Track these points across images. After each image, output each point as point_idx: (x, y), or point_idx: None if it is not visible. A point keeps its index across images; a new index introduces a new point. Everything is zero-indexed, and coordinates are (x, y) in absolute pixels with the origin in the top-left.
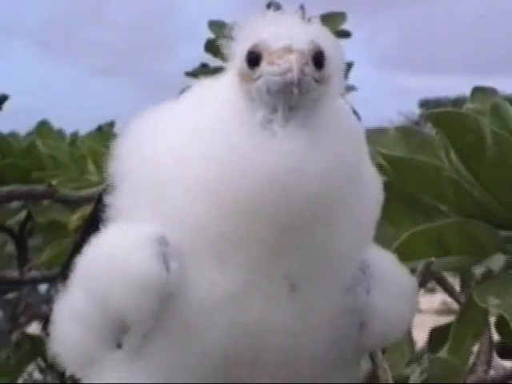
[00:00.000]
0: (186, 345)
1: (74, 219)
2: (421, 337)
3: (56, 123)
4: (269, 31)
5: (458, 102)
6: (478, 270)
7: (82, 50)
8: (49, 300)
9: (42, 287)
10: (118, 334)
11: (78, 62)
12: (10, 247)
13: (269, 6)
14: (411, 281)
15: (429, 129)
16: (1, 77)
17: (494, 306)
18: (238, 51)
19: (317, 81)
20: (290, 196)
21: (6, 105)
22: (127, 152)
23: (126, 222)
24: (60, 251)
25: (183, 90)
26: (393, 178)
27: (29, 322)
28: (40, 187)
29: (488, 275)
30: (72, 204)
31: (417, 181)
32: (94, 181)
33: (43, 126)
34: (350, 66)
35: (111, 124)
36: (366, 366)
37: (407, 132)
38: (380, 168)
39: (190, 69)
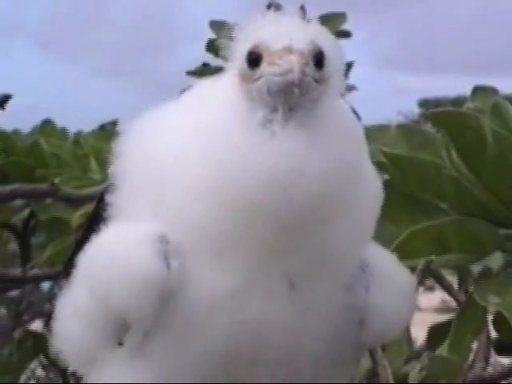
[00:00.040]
0: (187, 343)
1: (77, 217)
2: (420, 335)
3: (58, 122)
4: (269, 32)
5: (457, 101)
6: (476, 268)
7: (83, 49)
8: (51, 298)
9: (45, 285)
10: (120, 331)
11: (80, 62)
12: (13, 245)
13: (269, 6)
14: (410, 279)
15: (428, 128)
16: (3, 76)
17: (493, 304)
18: (238, 51)
19: (317, 81)
20: (290, 196)
21: (9, 104)
22: (128, 151)
23: (127, 221)
24: (62, 249)
25: (184, 90)
26: (394, 176)
27: (32, 319)
28: (43, 186)
29: (487, 273)
30: (74, 202)
31: (417, 179)
32: (97, 179)
33: (47, 125)
34: (350, 65)
35: (114, 123)
36: (366, 363)
37: (408, 130)
38: (381, 166)
39: (191, 68)
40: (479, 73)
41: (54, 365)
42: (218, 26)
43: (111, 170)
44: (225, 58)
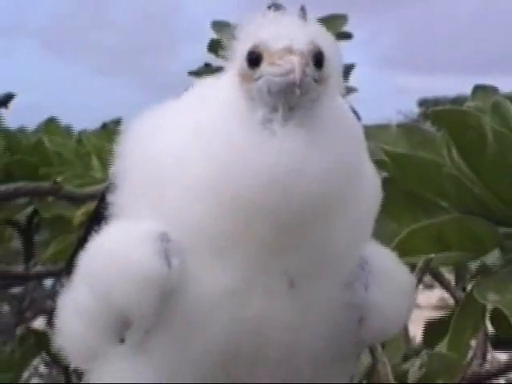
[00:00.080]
0: (187, 340)
1: (79, 215)
2: (419, 332)
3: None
4: (269, 32)
5: (457, 101)
6: (474, 265)
7: (85, 49)
8: (54, 295)
9: (48, 282)
10: (121, 328)
11: (82, 62)
12: (16, 243)
13: (270, 7)
14: (409, 277)
15: (428, 127)
16: (6, 76)
17: (493, 301)
18: (238, 51)
19: (316, 81)
20: (290, 195)
21: (12, 103)
22: (129, 150)
23: (128, 219)
24: (65, 246)
25: (186, 89)
26: (394, 174)
27: (34, 316)
28: (45, 184)
29: (486, 271)
30: (77, 200)
31: (418, 177)
32: (99, 177)
33: (51, 123)
34: (350, 67)
35: (116, 122)
36: (365, 360)
37: (409, 129)
38: (382, 164)
39: (193, 68)
40: (478, 73)
41: (56, 362)
42: (219, 26)
43: (112, 169)
44: (225, 58)
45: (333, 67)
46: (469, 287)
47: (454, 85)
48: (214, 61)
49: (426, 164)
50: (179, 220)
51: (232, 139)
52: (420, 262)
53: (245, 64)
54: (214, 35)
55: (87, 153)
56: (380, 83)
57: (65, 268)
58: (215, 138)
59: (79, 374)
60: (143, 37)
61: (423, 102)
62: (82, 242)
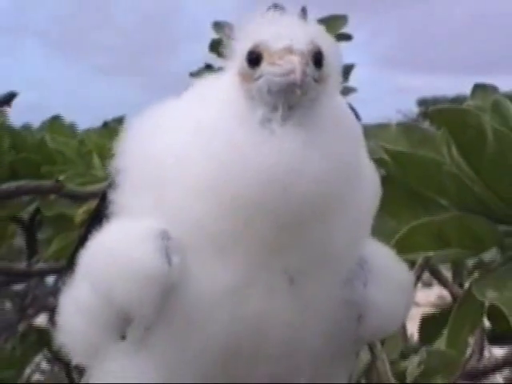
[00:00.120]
0: (188, 337)
1: (80, 213)
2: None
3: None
4: (269, 31)
5: (456, 100)
6: (471, 262)
7: (88, 49)
8: (56, 292)
9: (50, 279)
10: (122, 325)
11: (85, 61)
12: (19, 240)
13: (270, 8)
14: (408, 275)
15: (427, 127)
16: (10, 75)
17: (492, 299)
18: (238, 51)
19: (316, 80)
20: (289, 195)
21: (15, 102)
22: (130, 149)
23: (129, 218)
24: (67, 243)
25: (187, 89)
26: (395, 173)
27: (36, 313)
28: (48, 182)
29: (483, 267)
30: (78, 199)
31: (418, 175)
32: (100, 176)
33: (55, 121)
34: (350, 67)
35: (117, 120)
36: (365, 357)
37: (409, 127)
38: (382, 162)
39: (194, 69)
40: (477, 72)
41: (57, 358)
42: (220, 26)
43: (113, 167)
44: (226, 58)
45: (332, 67)
46: (466, 283)
47: (453, 84)
48: (215, 61)
49: (426, 162)
50: (180, 219)
51: (232, 139)
52: (419, 259)
53: (245, 63)
54: (215, 35)
55: (89, 151)
56: (379, 83)
57: (66, 266)
58: (215, 138)
59: (81, 371)
60: (145, 37)
61: (422, 102)
62: (83, 240)
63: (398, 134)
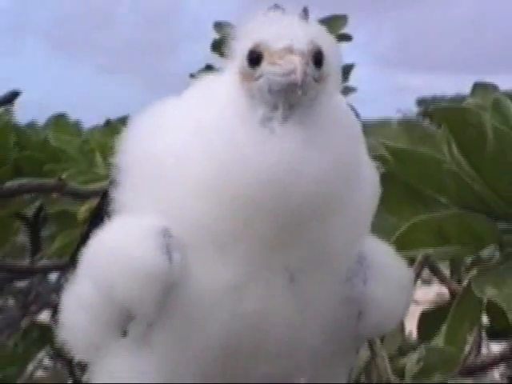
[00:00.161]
0: (188, 334)
1: (83, 211)
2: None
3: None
4: (269, 31)
5: (455, 100)
6: (469, 258)
7: (91, 48)
8: (58, 289)
9: (52, 276)
10: (124, 322)
11: (88, 61)
12: (22, 238)
13: (271, 8)
14: (408, 271)
15: (427, 125)
16: (14, 73)
17: (491, 296)
18: (238, 50)
19: (315, 80)
20: (289, 195)
21: (18, 101)
22: (131, 147)
23: (130, 216)
24: (70, 240)
25: (187, 88)
26: (395, 170)
27: (39, 310)
28: (50, 181)
29: (481, 263)
30: (81, 196)
31: (418, 173)
32: (102, 174)
33: (60, 119)
34: (350, 67)
35: (121, 119)
36: (364, 354)
37: (409, 125)
38: (382, 159)
39: (195, 69)
40: (477, 72)
41: (60, 355)
42: (222, 27)
43: (114, 166)
44: (226, 57)
45: (332, 66)
46: (464, 279)
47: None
48: (217, 61)
49: (426, 160)
50: (180, 218)
51: (233, 138)
52: (419, 256)
53: (245, 63)
54: (216, 35)
55: (91, 150)
56: (379, 83)
57: (69, 263)
58: (216, 137)
59: (83, 367)
60: (147, 36)
61: (422, 102)
62: (84, 238)
63: (398, 132)
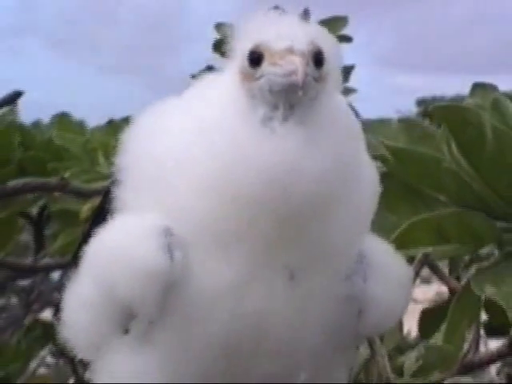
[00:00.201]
0: (190, 333)
1: (85, 210)
2: (416, 326)
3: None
4: (270, 32)
5: (455, 100)
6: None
7: (94, 48)
8: (61, 288)
9: (55, 275)
10: (125, 320)
11: (91, 61)
12: (25, 236)
13: (272, 9)
14: (407, 270)
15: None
16: (17, 74)
17: (490, 294)
18: (239, 50)
19: (316, 80)
20: (290, 194)
21: (21, 101)
22: (132, 147)
23: (131, 214)
24: (73, 239)
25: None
26: (395, 169)
27: (42, 308)
28: (53, 180)
29: (482, 262)
30: (84, 195)
31: (418, 172)
32: (105, 173)
33: (63, 118)
34: (350, 68)
35: (123, 119)
36: (364, 352)
37: (409, 124)
38: (382, 158)
39: (197, 69)
40: (476, 72)
41: (62, 353)
42: (223, 27)
43: (116, 165)
44: (227, 57)
45: (332, 66)
46: (462, 276)
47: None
48: (219, 61)
49: (425, 159)
50: (183, 218)
51: (234, 138)
52: (419, 254)
53: (246, 63)
54: (218, 36)
55: (94, 149)
56: (379, 83)
57: (70, 262)
58: (218, 137)
59: (86, 365)
60: (149, 37)
61: (421, 102)
62: (86, 237)
63: (398, 131)
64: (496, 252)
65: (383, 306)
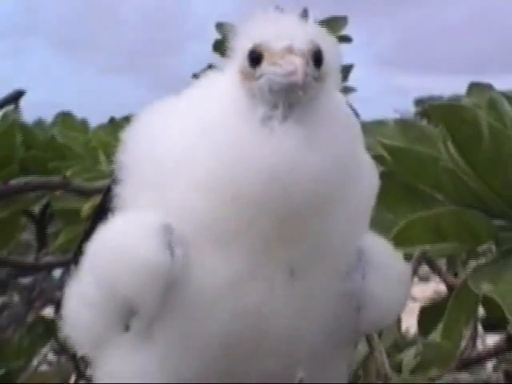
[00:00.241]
0: (190, 331)
1: (86, 208)
2: (414, 323)
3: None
4: (270, 31)
5: (451, 100)
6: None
7: (95, 48)
8: (62, 285)
9: (57, 272)
10: (126, 317)
11: (92, 61)
12: (27, 234)
13: (272, 9)
14: (405, 268)
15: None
16: (19, 73)
17: (487, 291)
18: (239, 50)
19: (315, 79)
20: (289, 194)
21: (23, 100)
22: (133, 146)
23: (132, 212)
24: (74, 236)
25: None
26: (392, 168)
27: (43, 306)
28: (55, 179)
29: (479, 259)
30: (85, 194)
31: (415, 170)
32: (106, 172)
33: (66, 117)
34: (349, 68)
35: (125, 118)
36: (362, 348)
37: (406, 124)
38: (380, 158)
39: (198, 69)
40: (474, 73)
41: (64, 350)
42: (224, 27)
43: (116, 164)
44: (227, 56)
45: (331, 65)
46: (460, 273)
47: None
48: (219, 61)
49: (423, 158)
50: (183, 217)
51: (235, 138)
52: (416, 252)
53: (246, 63)
54: (218, 36)
55: (95, 147)
56: (377, 83)
57: (72, 259)
58: (218, 137)
59: (87, 362)
60: (151, 36)
61: (419, 102)
62: (87, 234)
63: (395, 131)
64: (493, 250)
65: (382, 303)
